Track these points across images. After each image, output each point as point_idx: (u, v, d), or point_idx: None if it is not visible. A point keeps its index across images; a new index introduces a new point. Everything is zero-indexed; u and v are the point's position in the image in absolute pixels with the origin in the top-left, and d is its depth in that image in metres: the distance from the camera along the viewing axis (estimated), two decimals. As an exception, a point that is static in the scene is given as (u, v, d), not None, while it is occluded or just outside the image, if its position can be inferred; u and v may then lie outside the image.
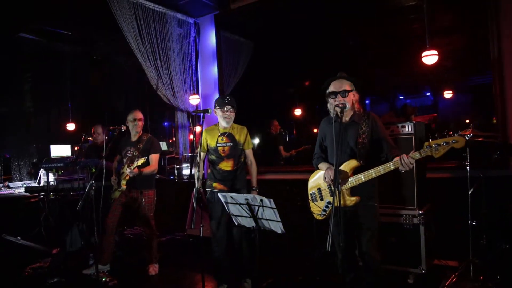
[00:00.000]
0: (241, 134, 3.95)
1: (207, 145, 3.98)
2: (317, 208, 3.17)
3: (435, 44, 5.10)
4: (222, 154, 3.91)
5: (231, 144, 3.90)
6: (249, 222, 3.02)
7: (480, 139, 3.69)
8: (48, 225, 5.79)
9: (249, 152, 4.03)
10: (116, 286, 4.22)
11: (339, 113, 2.88)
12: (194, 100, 6.54)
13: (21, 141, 8.88)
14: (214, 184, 3.94)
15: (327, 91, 3.04)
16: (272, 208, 2.75)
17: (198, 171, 3.53)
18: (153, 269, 4.67)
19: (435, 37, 5.45)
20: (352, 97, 2.99)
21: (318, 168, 3.25)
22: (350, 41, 8.55)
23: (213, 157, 3.97)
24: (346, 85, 2.97)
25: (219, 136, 3.93)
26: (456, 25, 7.31)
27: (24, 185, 6.97)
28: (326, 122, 3.25)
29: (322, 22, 7.36)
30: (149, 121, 10.35)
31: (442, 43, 6.40)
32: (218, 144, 3.91)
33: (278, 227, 2.85)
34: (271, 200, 2.73)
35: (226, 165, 3.92)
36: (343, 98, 2.94)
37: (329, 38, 8.26)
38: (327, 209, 3.08)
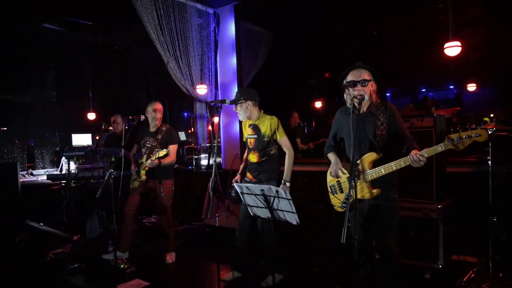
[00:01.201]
0: (265, 125, 3.86)
1: None
2: (337, 201, 3.15)
3: (459, 36, 4.97)
4: (250, 146, 3.96)
5: (256, 136, 3.89)
6: (264, 213, 3.02)
7: (503, 134, 3.59)
8: (69, 212, 5.93)
9: (282, 141, 3.87)
10: (133, 273, 4.29)
11: (357, 105, 2.83)
12: (201, 90, 6.49)
13: (44, 130, 9.08)
14: (248, 174, 3.99)
15: (345, 81, 2.97)
16: (288, 199, 2.74)
17: (215, 161, 3.54)
18: (170, 258, 4.73)
19: (459, 29, 5.31)
20: (370, 87, 2.92)
21: (327, 158, 3.23)
22: (373, 32, 8.40)
23: (247, 149, 4.06)
24: (365, 74, 2.91)
25: (248, 127, 3.99)
26: (481, 17, 7.11)
27: (47, 173, 7.15)
28: (342, 113, 3.18)
29: (344, 13, 7.26)
30: (168, 112, 10.44)
31: (467, 35, 6.23)
32: (248, 136, 3.98)
33: (293, 218, 2.84)
34: (287, 191, 2.72)
35: (253, 157, 3.93)
36: (362, 87, 2.88)
37: (351, 30, 8.15)
38: (347, 201, 3.04)
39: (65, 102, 9.52)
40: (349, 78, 2.95)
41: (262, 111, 3.95)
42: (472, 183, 4.28)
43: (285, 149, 3.89)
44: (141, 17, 5.52)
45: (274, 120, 3.85)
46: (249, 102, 3.87)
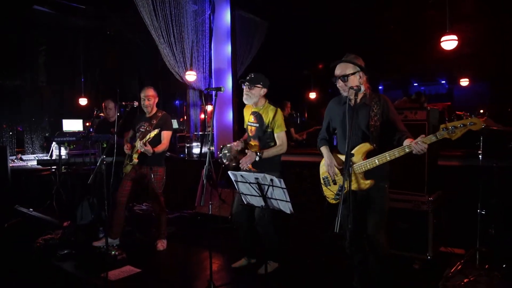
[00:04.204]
0: (268, 115, 3.71)
1: None
2: (330, 193, 3.15)
3: (455, 30, 5.00)
4: (250, 134, 3.84)
5: (257, 125, 3.77)
6: (258, 201, 3.03)
7: (494, 128, 3.63)
8: (59, 198, 5.89)
9: (278, 136, 3.71)
10: (124, 260, 4.28)
11: (353, 96, 2.83)
12: (191, 76, 6.41)
13: (34, 114, 8.97)
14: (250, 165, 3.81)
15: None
16: (282, 188, 2.75)
17: (209, 149, 3.51)
18: (161, 245, 4.73)
19: (455, 23, 5.34)
20: (358, 78, 2.90)
21: (320, 151, 3.24)
22: (367, 24, 8.39)
23: (247, 135, 3.93)
24: (348, 69, 2.89)
25: (250, 114, 3.86)
26: (476, 12, 7.15)
27: (37, 158, 7.07)
28: (335, 102, 3.17)
29: (339, 4, 7.25)
30: (161, 99, 10.37)
31: (462, 29, 6.26)
32: (248, 123, 3.85)
33: (287, 207, 2.85)
34: (281, 180, 2.73)
35: (253, 146, 3.82)
36: (343, 82, 2.88)
37: (346, 21, 8.14)
38: (341, 192, 3.05)
39: (56, 86, 9.40)
40: (335, 72, 2.95)
41: (267, 101, 3.84)
42: (463, 176, 4.34)
43: (278, 142, 3.75)
44: (136, 2, 5.46)
45: (279, 112, 3.74)
46: (264, 90, 3.76)
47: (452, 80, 12.71)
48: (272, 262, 3.92)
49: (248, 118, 3.88)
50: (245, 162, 3.61)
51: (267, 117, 3.72)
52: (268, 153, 3.68)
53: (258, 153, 3.63)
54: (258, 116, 3.78)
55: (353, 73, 2.88)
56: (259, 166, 3.69)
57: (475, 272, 3.56)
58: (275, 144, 3.75)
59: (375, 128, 2.89)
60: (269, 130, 3.72)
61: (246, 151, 3.67)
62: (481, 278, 3.48)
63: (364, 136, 2.94)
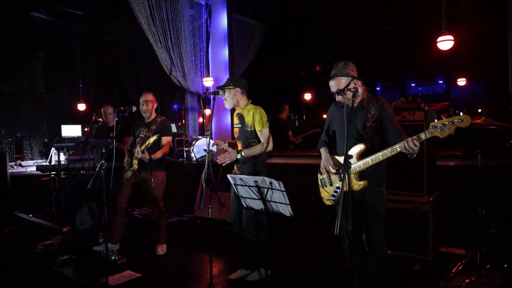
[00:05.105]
0: (249, 114, 3.69)
1: None
2: (326, 194, 3.17)
3: (451, 30, 5.02)
4: (235, 136, 3.85)
5: (240, 125, 3.76)
6: (257, 204, 3.04)
7: (493, 127, 3.64)
8: (58, 203, 5.88)
9: (261, 134, 3.65)
10: (124, 265, 4.27)
11: (350, 98, 2.85)
12: (208, 82, 6.50)
13: (32, 120, 8.97)
14: (235, 166, 3.82)
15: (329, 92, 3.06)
16: (281, 191, 2.76)
17: (208, 152, 3.50)
18: (161, 249, 4.72)
19: (451, 23, 5.36)
20: (353, 85, 2.92)
21: (320, 152, 3.26)
22: (364, 25, 8.40)
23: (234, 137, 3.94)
24: (342, 82, 2.95)
25: (235, 117, 3.88)
26: (473, 11, 7.18)
27: (36, 164, 7.07)
28: (335, 106, 3.23)
29: (335, 5, 7.27)
30: (159, 103, 10.38)
31: (458, 29, 6.28)
32: (234, 125, 3.87)
33: (286, 210, 2.85)
34: (281, 182, 2.73)
35: (238, 148, 3.79)
36: (342, 96, 2.93)
37: (343, 23, 8.16)
38: (336, 194, 3.08)
39: (54, 92, 9.40)
40: (331, 88, 3.01)
41: (249, 101, 3.82)
42: (462, 176, 4.34)
43: (261, 140, 3.68)
44: (133, 7, 5.47)
45: (258, 110, 3.71)
46: (238, 89, 3.74)
47: (449, 80, 12.75)
48: (262, 269, 3.77)
49: (234, 121, 3.90)
50: (223, 157, 3.56)
51: (248, 117, 3.70)
52: (251, 151, 3.63)
53: (240, 152, 3.59)
54: (240, 117, 3.78)
55: (348, 84, 2.93)
56: (243, 167, 3.69)
57: (476, 272, 3.55)
58: (258, 143, 3.70)
59: (371, 129, 2.92)
60: (250, 129, 3.69)
61: (227, 147, 3.66)
62: (482, 279, 3.46)
63: (360, 137, 2.97)
